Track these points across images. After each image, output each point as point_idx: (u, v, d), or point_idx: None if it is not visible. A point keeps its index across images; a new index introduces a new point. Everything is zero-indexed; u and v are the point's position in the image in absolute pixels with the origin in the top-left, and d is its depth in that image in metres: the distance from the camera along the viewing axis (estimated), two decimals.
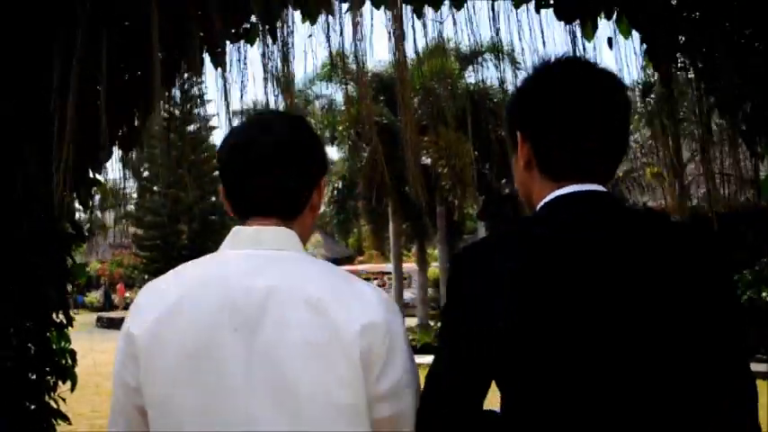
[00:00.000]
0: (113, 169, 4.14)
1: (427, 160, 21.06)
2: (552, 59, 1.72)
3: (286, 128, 1.73)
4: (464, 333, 1.62)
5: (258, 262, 1.63)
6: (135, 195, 47.91)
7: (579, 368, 1.54)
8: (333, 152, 24.54)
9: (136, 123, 3.49)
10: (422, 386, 1.68)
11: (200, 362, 1.57)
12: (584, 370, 1.54)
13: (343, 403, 1.56)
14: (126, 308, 33.79)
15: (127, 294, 35.57)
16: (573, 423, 1.55)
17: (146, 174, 37.37)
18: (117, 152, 3.56)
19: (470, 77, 20.78)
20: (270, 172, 1.68)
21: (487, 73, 24.12)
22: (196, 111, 35.62)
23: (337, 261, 45.15)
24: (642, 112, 17.76)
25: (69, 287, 3.77)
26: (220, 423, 1.55)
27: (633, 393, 1.54)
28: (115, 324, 29.78)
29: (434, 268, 25.35)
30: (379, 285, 27.08)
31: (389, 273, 26.76)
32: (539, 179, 1.70)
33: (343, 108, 22.60)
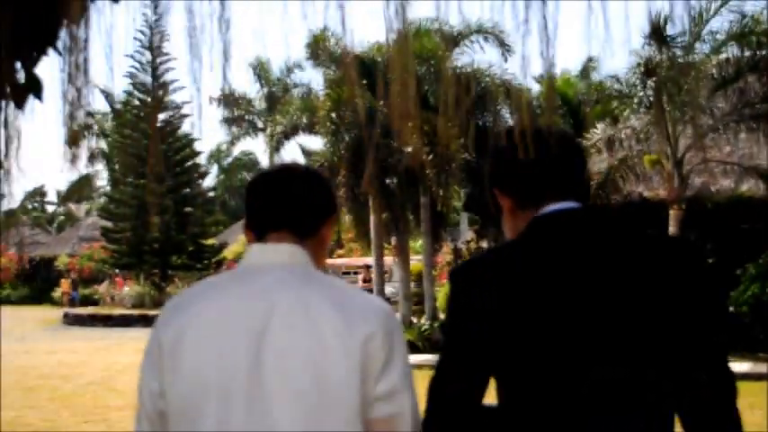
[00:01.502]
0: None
1: (409, 149, 20.17)
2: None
3: (303, 169, 2.04)
4: (469, 337, 1.88)
5: (272, 275, 1.84)
6: (108, 187, 46.84)
7: (570, 357, 1.81)
8: (312, 141, 23.51)
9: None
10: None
11: (218, 367, 1.76)
12: (573, 358, 1.81)
13: (344, 404, 1.74)
14: (95, 303, 32.76)
15: (100, 288, 34.21)
16: (561, 404, 1.82)
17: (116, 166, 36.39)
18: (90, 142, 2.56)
19: (458, 60, 19.66)
20: (283, 197, 1.94)
21: (476, 56, 23.37)
22: (168, 98, 34.89)
23: None
24: (641, 96, 16.92)
25: None
26: (234, 423, 1.74)
27: (615, 379, 1.81)
28: (82, 321, 28.63)
29: (417, 262, 24.30)
30: (365, 280, 26.21)
31: (371, 266, 25.81)
32: (521, 216, 1.99)
33: (322, 94, 21.51)
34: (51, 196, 68.61)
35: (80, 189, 58.48)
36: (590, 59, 34.97)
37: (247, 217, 1.98)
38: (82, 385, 13.06)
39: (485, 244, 23.08)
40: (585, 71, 37.25)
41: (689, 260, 1.88)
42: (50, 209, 68.15)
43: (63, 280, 37.47)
